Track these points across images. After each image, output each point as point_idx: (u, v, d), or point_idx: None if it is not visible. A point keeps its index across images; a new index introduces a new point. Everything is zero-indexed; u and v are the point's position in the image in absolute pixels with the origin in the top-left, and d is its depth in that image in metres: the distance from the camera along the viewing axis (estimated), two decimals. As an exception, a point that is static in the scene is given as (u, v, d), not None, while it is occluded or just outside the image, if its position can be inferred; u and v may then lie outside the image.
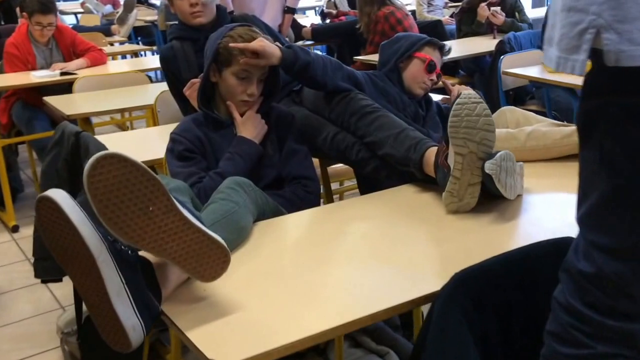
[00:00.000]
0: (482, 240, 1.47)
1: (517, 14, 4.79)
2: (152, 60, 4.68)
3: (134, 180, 1.10)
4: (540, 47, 3.91)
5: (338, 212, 1.74)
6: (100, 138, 2.36)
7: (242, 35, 1.97)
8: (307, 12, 8.72)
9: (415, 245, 1.46)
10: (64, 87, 3.73)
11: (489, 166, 1.53)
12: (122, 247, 1.18)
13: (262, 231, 1.59)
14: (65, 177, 2.30)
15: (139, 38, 7.63)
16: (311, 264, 1.39)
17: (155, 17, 7.46)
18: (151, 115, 3.73)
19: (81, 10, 8.42)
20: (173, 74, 2.53)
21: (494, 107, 2.48)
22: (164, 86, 3.27)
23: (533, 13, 5.54)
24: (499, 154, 1.56)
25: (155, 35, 7.56)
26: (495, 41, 4.53)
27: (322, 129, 2.13)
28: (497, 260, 1.25)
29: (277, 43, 2.02)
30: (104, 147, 2.25)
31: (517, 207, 1.65)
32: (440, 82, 2.47)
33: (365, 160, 2.01)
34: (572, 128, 1.95)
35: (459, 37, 4.93)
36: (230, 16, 2.63)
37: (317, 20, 6.04)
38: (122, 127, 4.86)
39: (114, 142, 2.42)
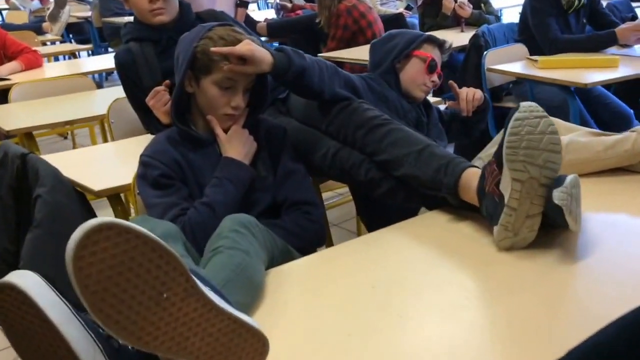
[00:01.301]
0: (560, 289, 1.19)
1: (482, 5, 4.56)
2: (92, 62, 4.23)
3: (140, 258, 0.76)
4: (517, 40, 3.68)
5: (363, 250, 1.42)
6: (49, 158, 1.99)
7: (224, 36, 1.63)
8: (251, 5, 8.33)
9: (479, 297, 1.16)
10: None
11: (559, 195, 1.25)
12: (121, 344, 0.84)
13: (279, 283, 1.26)
14: (11, 205, 1.94)
15: (71, 36, 7.07)
16: (362, 327, 1.08)
17: (88, 13, 6.93)
18: (100, 125, 3.35)
19: (6, 6, 7.79)
20: (132, 81, 2.17)
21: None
22: (115, 92, 2.89)
23: (497, 3, 5.32)
24: (568, 180, 1.28)
25: (89, 33, 7.03)
26: (464, 35, 4.31)
27: (320, 145, 1.82)
28: (612, 334, 0.97)
29: (265, 45, 1.70)
30: (56, 172, 1.89)
31: (578, 238, 1.38)
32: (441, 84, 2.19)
33: (376, 182, 1.71)
34: (616, 138, 1.70)
35: (423, 30, 4.66)
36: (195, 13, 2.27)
37: (270, 14, 5.69)
38: (63, 135, 4.43)
39: (66, 163, 2.03)
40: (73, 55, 4.52)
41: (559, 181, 1.29)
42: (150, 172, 1.63)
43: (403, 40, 2.14)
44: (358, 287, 1.24)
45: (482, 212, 1.41)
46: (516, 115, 1.30)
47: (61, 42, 5.69)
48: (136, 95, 2.18)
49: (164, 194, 1.61)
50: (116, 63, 2.18)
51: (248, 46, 1.60)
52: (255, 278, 1.21)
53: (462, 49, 4.03)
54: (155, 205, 1.60)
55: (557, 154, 1.30)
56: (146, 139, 2.29)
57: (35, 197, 1.86)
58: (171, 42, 2.14)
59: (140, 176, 1.66)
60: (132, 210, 2.15)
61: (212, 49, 1.60)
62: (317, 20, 4.26)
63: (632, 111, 3.57)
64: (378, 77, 2.09)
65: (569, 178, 1.29)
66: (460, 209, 1.53)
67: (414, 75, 2.11)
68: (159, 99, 2.06)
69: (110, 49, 6.51)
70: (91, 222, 0.76)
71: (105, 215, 2.28)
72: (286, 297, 1.21)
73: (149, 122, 2.21)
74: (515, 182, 1.29)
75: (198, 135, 1.71)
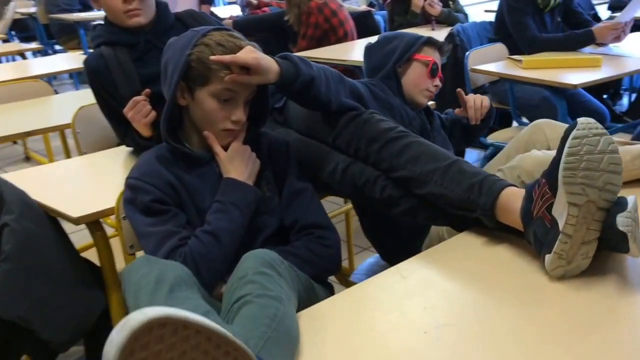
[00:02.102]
0: (634, 325, 1.05)
1: (450, 3, 4.45)
2: (44, 63, 3.92)
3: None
4: (491, 39, 3.59)
5: (399, 285, 1.25)
6: (9, 177, 1.76)
7: (222, 42, 1.45)
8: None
9: (552, 340, 1.02)
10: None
11: (623, 221, 1.11)
12: None
13: (314, 330, 1.09)
14: None
15: (14, 33, 6.68)
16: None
17: (32, 9, 6.55)
18: (61, 135, 3.08)
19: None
20: (106, 89, 1.94)
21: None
22: (77, 98, 2.67)
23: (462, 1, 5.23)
24: (630, 203, 1.15)
25: (34, 30, 6.64)
26: (435, 33, 4.19)
27: (328, 159, 1.66)
28: None
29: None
30: (23, 196, 1.68)
31: (627, 260, 1.25)
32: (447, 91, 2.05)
33: (394, 200, 1.56)
34: (644, 147, 1.58)
35: (392, 28, 4.53)
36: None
37: (235, 11, 5.46)
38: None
39: (31, 182, 1.81)
40: (21, 55, 4.20)
41: (619, 204, 1.16)
42: (141, 197, 1.44)
43: (402, 43, 1.99)
44: (409, 332, 1.07)
45: (529, 238, 1.26)
46: (574, 133, 1.16)
47: (4, 40, 5.34)
48: (110, 104, 1.96)
49: (158, 222, 1.43)
50: (87, 69, 1.94)
51: (253, 54, 1.42)
52: (293, 329, 1.03)
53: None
54: (149, 234, 1.41)
55: (618, 175, 1.16)
56: (120, 151, 2.08)
57: (1, 226, 1.63)
58: (149, 46, 1.95)
59: (129, 201, 1.47)
60: (111, 234, 1.94)
61: (212, 57, 1.42)
62: (285, 18, 4.07)
63: (606, 108, 3.53)
64: (380, 83, 1.94)
65: (631, 201, 1.15)
66: (493, 230, 1.39)
67: (417, 80, 1.97)
68: (139, 110, 1.85)
69: (57, 47, 6.16)
70: (137, 318, 0.57)
71: (82, 242, 2.06)
72: (325, 351, 1.04)
73: (123, 133, 2.00)
74: (572, 206, 1.15)
75: (194, 154, 1.53)
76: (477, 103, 1.97)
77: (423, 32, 4.30)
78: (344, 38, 4.04)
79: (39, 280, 1.61)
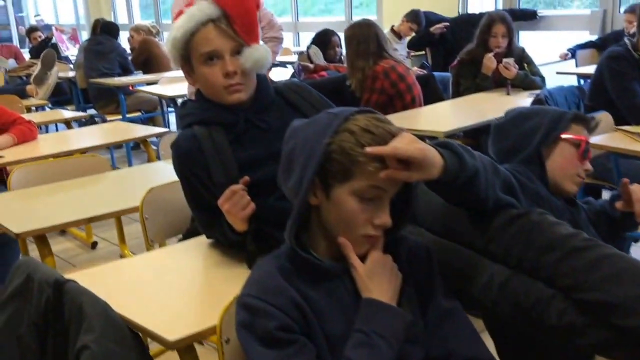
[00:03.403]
0: None
1: (526, 65, 4.15)
2: (94, 133, 3.66)
3: None
4: (587, 106, 3.26)
5: None
6: (81, 278, 1.45)
7: (371, 128, 1.16)
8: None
9: None
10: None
11: None
12: None
13: None
14: (34, 349, 1.42)
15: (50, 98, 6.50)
16: None
17: (70, 74, 6.38)
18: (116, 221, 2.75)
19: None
20: (196, 175, 1.63)
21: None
22: (135, 175, 2.36)
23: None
24: None
25: (70, 93, 6.46)
26: (511, 98, 3.90)
27: (478, 270, 1.36)
28: None
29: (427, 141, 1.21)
30: (106, 310, 1.37)
31: None
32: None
33: (579, 329, 1.22)
34: None
35: (458, 93, 4.23)
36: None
37: (286, 75, 5.23)
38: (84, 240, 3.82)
39: (110, 286, 1.50)
40: (67, 124, 3.95)
41: None
42: (262, 321, 1.14)
43: (546, 120, 1.68)
44: None
45: None
46: None
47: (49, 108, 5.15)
48: (199, 193, 1.65)
49: (283, 356, 1.12)
50: (176, 152, 1.65)
51: (416, 144, 1.14)
52: None
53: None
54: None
55: None
56: (201, 244, 1.77)
57: (80, 347, 1.32)
58: (248, 126, 1.65)
59: (245, 325, 1.17)
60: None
61: (369, 149, 1.13)
62: (347, 83, 3.80)
63: None
64: (524, 169, 1.62)
65: None
66: None
67: (565, 164, 1.66)
68: (236, 202, 1.54)
69: (94, 113, 5.95)
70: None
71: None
72: None
73: (212, 225, 1.69)
74: None
75: (324, 266, 1.22)
76: None
77: (496, 96, 4.06)
78: (410, 104, 3.76)
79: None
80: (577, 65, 5.63)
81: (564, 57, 5.77)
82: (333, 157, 1.16)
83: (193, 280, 1.64)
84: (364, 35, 3.72)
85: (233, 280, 1.53)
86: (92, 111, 6.10)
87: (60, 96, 6.32)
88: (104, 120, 5.32)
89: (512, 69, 3.96)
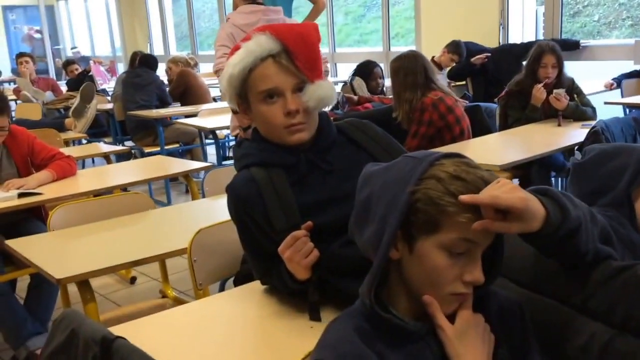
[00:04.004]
0: None
1: (576, 96, 4.01)
2: (133, 169, 3.57)
3: None
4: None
5: None
6: (129, 332, 1.32)
7: (461, 175, 1.03)
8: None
9: None
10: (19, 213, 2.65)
11: None
12: None
13: None
14: None
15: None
16: None
17: (107, 105, 6.37)
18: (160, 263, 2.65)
19: (13, 97, 7.23)
20: (254, 220, 1.50)
21: None
22: (187, 215, 2.26)
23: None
24: None
25: (107, 126, 6.46)
26: (563, 130, 3.75)
27: (575, 329, 1.21)
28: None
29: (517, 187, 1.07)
30: None
31: None
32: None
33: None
34: None
35: (506, 124, 4.09)
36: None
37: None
38: (123, 275, 3.71)
39: (167, 347, 1.37)
40: (106, 158, 3.88)
41: None
42: None
43: (633, 158, 1.53)
44: None
45: None
46: None
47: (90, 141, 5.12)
48: (256, 239, 1.52)
49: None
50: (233, 196, 1.52)
51: (518, 193, 1.01)
52: None
53: (567, 148, 3.47)
54: None
55: None
56: (255, 291, 1.64)
57: None
58: (310, 167, 1.52)
59: None
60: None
61: (464, 197, 0.99)
62: (394, 115, 3.68)
63: None
64: (616, 214, 1.46)
65: None
66: None
67: (656, 207, 1.50)
68: (299, 249, 1.42)
69: (132, 145, 5.91)
70: None
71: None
72: None
73: (270, 275, 1.56)
74: None
75: (408, 327, 1.08)
76: None
77: (547, 128, 3.91)
78: (459, 137, 3.62)
79: None
80: (622, 95, 5.49)
81: (610, 87, 5.61)
82: (418, 207, 1.02)
83: (250, 332, 1.51)
84: (412, 67, 3.60)
85: (294, 333, 1.43)
86: (129, 143, 6.07)
87: (98, 128, 6.30)
88: (142, 153, 5.26)
89: (563, 100, 3.82)
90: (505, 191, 1.00)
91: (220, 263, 2.01)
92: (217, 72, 3.31)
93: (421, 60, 3.66)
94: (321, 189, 1.50)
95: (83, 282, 1.90)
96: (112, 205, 2.49)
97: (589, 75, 6.24)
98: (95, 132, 6.16)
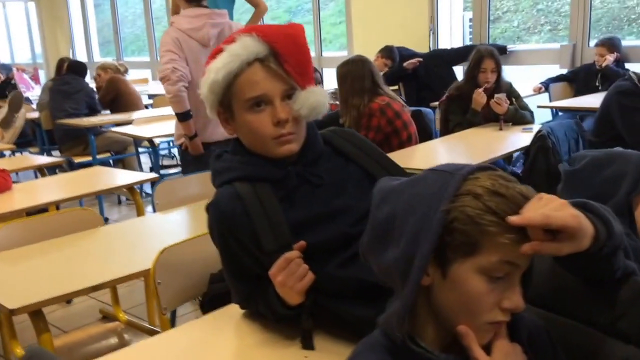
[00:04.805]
0: None
1: (514, 100, 4.08)
2: (72, 181, 3.36)
3: None
4: (591, 141, 3.18)
5: None
6: None
7: (500, 190, 0.94)
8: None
9: None
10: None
11: None
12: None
13: None
14: None
15: (10, 140, 6.14)
16: None
17: (32, 115, 6.04)
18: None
19: None
20: (239, 241, 1.38)
21: None
22: (140, 232, 2.14)
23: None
24: None
25: (33, 135, 6.12)
26: (505, 134, 3.79)
27: (605, 352, 1.13)
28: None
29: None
30: None
31: None
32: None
33: None
34: None
35: (447, 129, 4.11)
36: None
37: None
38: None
39: None
40: (41, 171, 3.63)
41: None
42: None
43: (630, 166, 1.52)
44: None
45: None
46: None
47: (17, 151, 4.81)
48: (241, 262, 1.41)
49: None
50: (216, 215, 1.40)
51: (569, 210, 0.93)
52: None
53: (527, 150, 3.49)
54: None
55: None
56: (234, 316, 1.53)
57: None
58: (299, 181, 1.43)
59: None
60: None
61: (514, 218, 0.90)
62: (340, 121, 3.62)
63: None
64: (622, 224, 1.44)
65: None
66: None
67: (653, 214, 1.49)
68: (292, 272, 1.31)
69: (59, 155, 5.62)
70: None
71: None
72: None
73: (255, 300, 1.45)
74: None
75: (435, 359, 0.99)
76: None
77: (489, 132, 3.96)
78: (407, 142, 3.61)
79: None
80: (550, 99, 5.65)
81: (538, 91, 5.77)
82: (455, 227, 0.93)
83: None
84: (359, 72, 3.57)
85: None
86: (56, 153, 5.77)
87: (23, 138, 5.97)
88: (71, 163, 4.99)
89: (503, 104, 3.89)
90: (555, 208, 0.91)
91: (187, 284, 1.89)
92: (162, 78, 3.16)
93: (368, 65, 3.63)
94: (311, 205, 1.39)
95: (36, 312, 1.73)
96: (58, 222, 2.32)
97: (514, 80, 6.43)
98: (20, 142, 5.83)
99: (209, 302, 1.76)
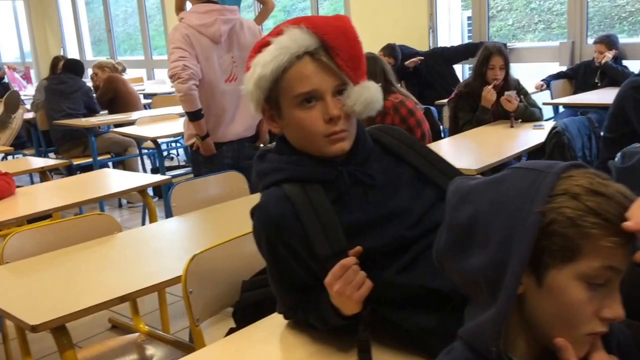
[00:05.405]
0: None
1: (522, 97, 4.02)
2: (80, 185, 3.24)
3: None
4: (606, 138, 3.13)
5: None
6: None
7: (599, 189, 0.86)
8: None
9: None
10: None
11: None
12: None
13: None
14: None
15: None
16: None
17: (27, 115, 5.90)
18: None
19: None
20: (290, 247, 1.29)
21: None
22: (162, 236, 2.05)
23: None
24: None
25: (28, 136, 5.97)
26: (516, 131, 3.71)
27: None
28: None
29: None
30: None
31: None
32: None
33: None
34: None
35: (457, 126, 4.04)
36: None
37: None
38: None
39: None
40: (43, 174, 3.51)
41: None
42: None
43: None
44: None
45: None
46: None
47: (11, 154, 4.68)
48: (291, 269, 1.32)
49: None
50: (265, 219, 1.30)
51: None
52: None
53: (542, 148, 3.42)
54: None
55: None
56: (274, 327, 1.44)
57: None
58: (351, 182, 1.34)
59: None
60: None
61: (629, 223, 0.82)
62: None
63: None
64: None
65: None
66: None
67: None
68: (349, 280, 1.22)
69: (56, 156, 5.50)
70: None
71: None
72: None
73: (304, 309, 1.36)
74: None
75: None
76: None
77: (500, 129, 3.89)
78: (421, 139, 3.52)
79: None
80: (552, 95, 5.63)
81: (540, 88, 5.73)
82: (554, 230, 0.85)
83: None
84: (371, 70, 3.44)
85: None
86: (52, 155, 5.65)
87: (17, 139, 5.82)
88: (70, 166, 4.86)
89: (514, 101, 3.85)
90: None
91: (217, 293, 1.79)
92: (172, 76, 3.06)
93: (380, 62, 3.54)
94: (365, 207, 1.31)
95: (59, 327, 1.63)
96: (73, 228, 2.21)
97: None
98: (15, 143, 5.68)
99: (242, 312, 1.68)
